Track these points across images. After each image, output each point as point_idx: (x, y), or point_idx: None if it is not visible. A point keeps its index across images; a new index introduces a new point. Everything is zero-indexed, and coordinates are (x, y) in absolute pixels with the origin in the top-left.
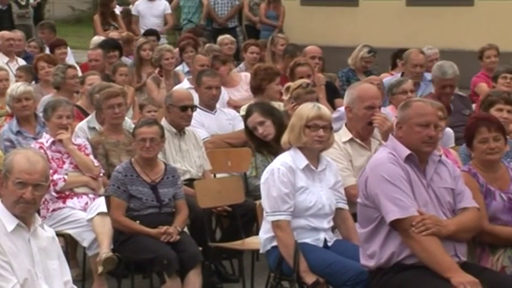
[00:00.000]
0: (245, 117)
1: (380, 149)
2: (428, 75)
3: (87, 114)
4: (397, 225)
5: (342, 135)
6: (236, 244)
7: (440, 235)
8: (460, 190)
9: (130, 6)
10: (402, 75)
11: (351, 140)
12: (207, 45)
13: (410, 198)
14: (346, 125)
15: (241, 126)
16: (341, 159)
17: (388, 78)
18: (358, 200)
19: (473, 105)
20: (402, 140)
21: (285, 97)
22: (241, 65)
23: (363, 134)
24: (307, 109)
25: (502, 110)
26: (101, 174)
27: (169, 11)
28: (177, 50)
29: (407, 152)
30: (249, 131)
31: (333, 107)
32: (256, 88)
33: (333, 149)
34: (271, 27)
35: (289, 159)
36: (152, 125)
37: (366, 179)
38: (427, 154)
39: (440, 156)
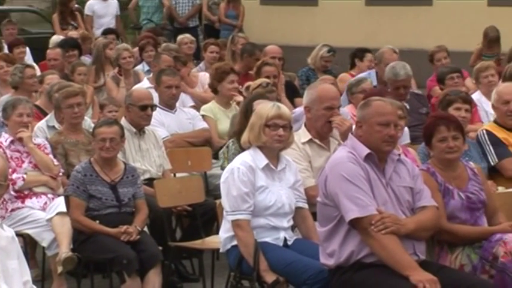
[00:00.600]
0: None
1: (339, 148)
2: None
3: (46, 114)
4: (356, 224)
5: (301, 135)
6: (196, 243)
7: (399, 234)
8: (419, 189)
9: None
10: (376, 74)
11: (310, 141)
12: (164, 44)
13: (370, 197)
14: (305, 125)
15: (201, 125)
16: (300, 160)
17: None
18: (318, 199)
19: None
20: (362, 139)
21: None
22: (201, 65)
23: (322, 133)
24: (267, 108)
25: (460, 109)
26: (60, 174)
27: (119, 12)
28: (136, 49)
29: (367, 151)
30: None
31: (294, 106)
32: (213, 88)
33: (292, 149)
34: (231, 27)
35: (249, 159)
36: (112, 125)
37: (325, 178)
38: (386, 153)
39: (399, 155)
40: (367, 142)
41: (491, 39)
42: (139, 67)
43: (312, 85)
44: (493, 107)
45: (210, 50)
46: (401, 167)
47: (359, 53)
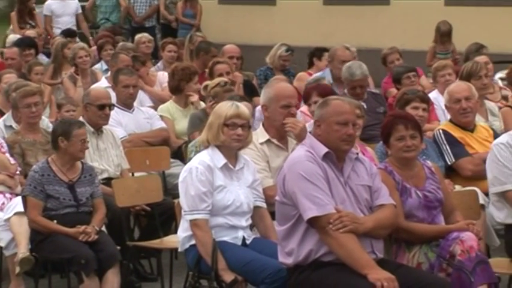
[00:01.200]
0: None
1: (298, 147)
2: None
3: (3, 113)
4: (314, 223)
5: (259, 135)
6: (154, 243)
7: (357, 232)
8: (377, 187)
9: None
10: (331, 72)
11: (268, 141)
12: (121, 43)
13: (328, 196)
14: (263, 125)
15: (159, 124)
16: (258, 160)
17: (316, 75)
18: (276, 198)
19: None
20: (320, 138)
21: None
22: (159, 64)
23: (280, 132)
24: (226, 108)
25: (418, 108)
26: (18, 172)
27: (80, 10)
28: (94, 48)
29: (325, 150)
30: None
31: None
32: (175, 88)
33: (249, 149)
34: (189, 26)
35: (207, 158)
36: (83, 125)
37: (283, 177)
38: (345, 152)
39: (357, 154)
40: (326, 141)
41: (443, 33)
42: (97, 66)
43: (269, 84)
44: (446, 107)
45: (168, 49)
46: (360, 166)
47: (317, 52)
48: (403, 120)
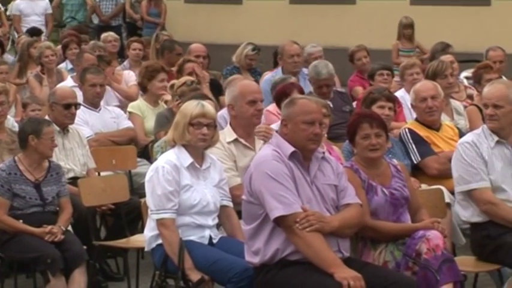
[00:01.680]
0: None
1: (264, 147)
2: (306, 70)
3: None
4: (281, 222)
5: (227, 135)
6: (121, 242)
7: (323, 231)
8: (343, 186)
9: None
10: (282, 69)
11: (235, 141)
12: (92, 42)
13: (294, 195)
14: (230, 124)
15: (126, 124)
16: (225, 159)
17: (268, 76)
18: (243, 197)
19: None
20: (287, 137)
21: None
22: (125, 63)
23: (249, 130)
24: (191, 107)
25: (384, 107)
26: None
27: (50, 10)
28: (59, 47)
29: (292, 149)
30: None
31: (218, 104)
32: (143, 87)
33: (217, 149)
34: (153, 25)
35: (174, 157)
36: (51, 123)
37: (250, 176)
38: (312, 151)
39: (323, 153)
40: (293, 140)
41: (406, 26)
42: (62, 65)
43: (232, 83)
44: (412, 106)
45: (133, 47)
46: (326, 165)
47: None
48: (368, 118)
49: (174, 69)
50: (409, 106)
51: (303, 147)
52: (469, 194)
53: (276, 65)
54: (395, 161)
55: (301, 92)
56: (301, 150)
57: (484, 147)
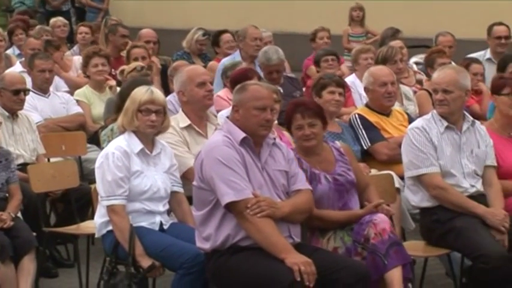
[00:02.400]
0: None
1: (215, 133)
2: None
3: None
4: (232, 208)
5: (180, 120)
6: (71, 229)
7: (274, 217)
8: (293, 172)
9: None
10: (240, 52)
11: (188, 127)
12: (38, 27)
13: (245, 181)
14: (183, 110)
15: (75, 109)
16: (180, 144)
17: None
18: (194, 183)
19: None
20: (238, 123)
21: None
22: (75, 48)
23: (200, 113)
24: (140, 93)
25: (334, 92)
26: None
27: None
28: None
29: (243, 135)
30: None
31: (168, 91)
32: (84, 73)
33: (171, 134)
34: (97, 10)
35: (124, 144)
36: None
37: (201, 161)
38: (263, 137)
39: (274, 139)
40: (244, 126)
41: (356, 10)
42: (10, 51)
43: (179, 70)
44: (367, 89)
45: (80, 31)
46: (277, 151)
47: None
48: (301, 108)
49: (124, 54)
50: (360, 92)
51: (254, 133)
52: (419, 179)
53: (216, 52)
54: (338, 144)
55: (259, 78)
56: (252, 136)
57: (434, 133)
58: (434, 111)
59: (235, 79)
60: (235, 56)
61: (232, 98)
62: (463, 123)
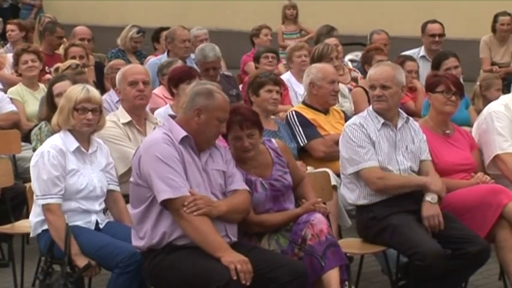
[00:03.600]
0: None
1: (156, 130)
2: (193, 55)
3: None
4: (168, 205)
5: (120, 116)
6: (5, 228)
7: (211, 215)
8: (231, 173)
9: None
10: (168, 54)
11: (129, 123)
12: None
13: (183, 179)
14: (122, 107)
15: (9, 108)
16: (124, 138)
17: (154, 59)
18: (131, 179)
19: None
20: (195, 126)
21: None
22: (8, 45)
23: (137, 112)
24: (76, 91)
25: (272, 91)
26: None
27: None
28: None
29: (183, 133)
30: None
31: (103, 88)
32: (16, 70)
33: (113, 128)
34: (30, 7)
35: (60, 142)
36: None
37: (139, 158)
38: (211, 144)
39: None
40: (198, 131)
41: (288, 8)
42: None
43: (115, 68)
44: (313, 84)
45: (8, 29)
46: (216, 152)
47: (155, 35)
48: (239, 118)
49: (59, 52)
50: (295, 90)
51: (206, 141)
52: (359, 175)
53: (155, 48)
54: (275, 143)
55: (200, 77)
56: (200, 140)
57: (371, 129)
58: (370, 108)
59: (177, 77)
60: (163, 58)
61: (167, 95)
62: (398, 120)
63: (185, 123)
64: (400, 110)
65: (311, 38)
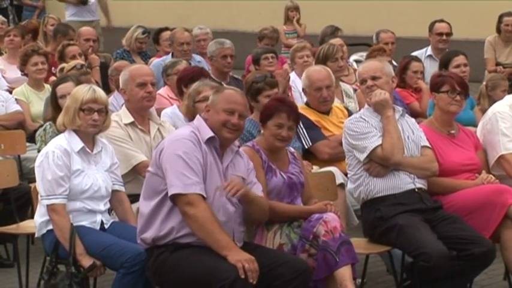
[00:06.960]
0: None
1: (185, 126)
2: (197, 57)
3: None
4: (177, 200)
5: (123, 117)
6: (11, 228)
7: (249, 196)
8: (250, 180)
9: None
10: (172, 55)
11: (131, 124)
12: None
13: (197, 178)
14: (126, 107)
15: (14, 108)
16: (127, 139)
17: (158, 60)
18: (149, 168)
19: None
20: (207, 122)
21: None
22: None
23: (142, 113)
24: (82, 92)
25: (270, 96)
26: None
27: None
28: None
29: (210, 134)
30: (52, 100)
31: (108, 89)
32: (22, 71)
33: (116, 128)
34: (33, 8)
35: (65, 142)
36: None
37: (162, 149)
38: (227, 140)
39: (238, 147)
40: (211, 125)
41: (291, 9)
42: None
43: (120, 69)
44: (304, 91)
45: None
46: (239, 159)
47: (155, 37)
48: (288, 108)
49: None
50: (299, 90)
51: (218, 134)
52: (373, 156)
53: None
54: (292, 149)
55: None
56: (218, 137)
57: (373, 122)
58: (366, 106)
59: (189, 76)
60: (167, 59)
61: (172, 96)
62: (394, 113)
63: (204, 121)
64: (394, 105)
65: (301, 38)
